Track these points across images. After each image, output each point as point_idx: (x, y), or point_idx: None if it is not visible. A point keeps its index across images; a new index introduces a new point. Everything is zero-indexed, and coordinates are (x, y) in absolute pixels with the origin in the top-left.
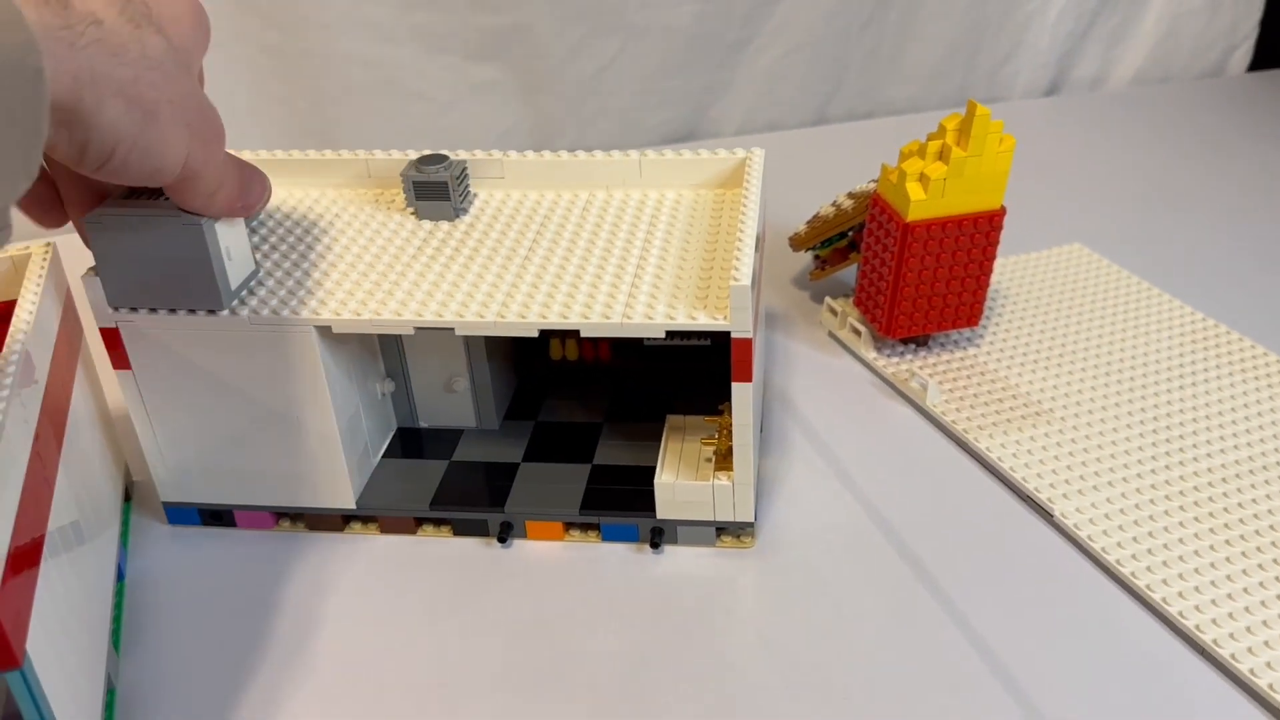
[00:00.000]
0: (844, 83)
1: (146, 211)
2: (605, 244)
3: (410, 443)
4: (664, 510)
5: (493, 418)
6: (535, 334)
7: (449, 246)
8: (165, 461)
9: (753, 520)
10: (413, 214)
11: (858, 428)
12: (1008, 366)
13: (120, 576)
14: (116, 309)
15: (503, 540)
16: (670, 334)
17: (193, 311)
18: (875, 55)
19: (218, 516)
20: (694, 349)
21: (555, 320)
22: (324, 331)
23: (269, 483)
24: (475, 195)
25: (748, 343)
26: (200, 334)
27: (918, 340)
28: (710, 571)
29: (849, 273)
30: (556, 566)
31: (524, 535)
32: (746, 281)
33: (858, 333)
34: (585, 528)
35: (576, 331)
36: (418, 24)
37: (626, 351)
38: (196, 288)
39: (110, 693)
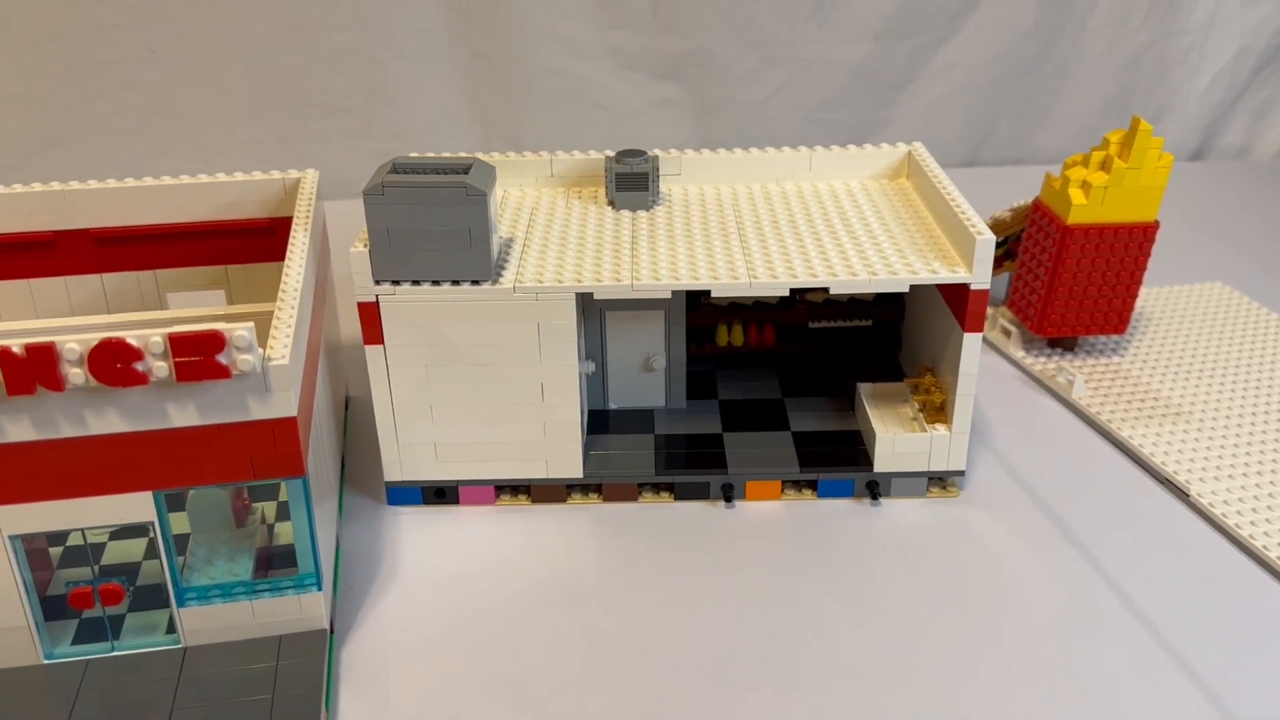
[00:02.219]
0: (997, 129)
1: (429, 183)
2: (808, 221)
3: (599, 423)
4: (881, 463)
5: (681, 397)
6: (786, 292)
7: (663, 227)
8: (398, 439)
9: (964, 469)
10: (610, 205)
11: (1009, 416)
12: (1149, 374)
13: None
14: (379, 282)
15: (728, 500)
16: (837, 315)
17: (456, 283)
18: (1029, 105)
19: (441, 494)
20: (855, 330)
21: (805, 279)
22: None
23: (499, 456)
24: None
25: (984, 294)
26: (460, 305)
27: (1064, 344)
28: (930, 519)
29: (998, 282)
30: (782, 522)
31: (743, 496)
32: (991, 236)
33: (1007, 333)
34: (800, 486)
35: (743, 318)
36: (612, 42)
37: (790, 336)
38: (466, 259)
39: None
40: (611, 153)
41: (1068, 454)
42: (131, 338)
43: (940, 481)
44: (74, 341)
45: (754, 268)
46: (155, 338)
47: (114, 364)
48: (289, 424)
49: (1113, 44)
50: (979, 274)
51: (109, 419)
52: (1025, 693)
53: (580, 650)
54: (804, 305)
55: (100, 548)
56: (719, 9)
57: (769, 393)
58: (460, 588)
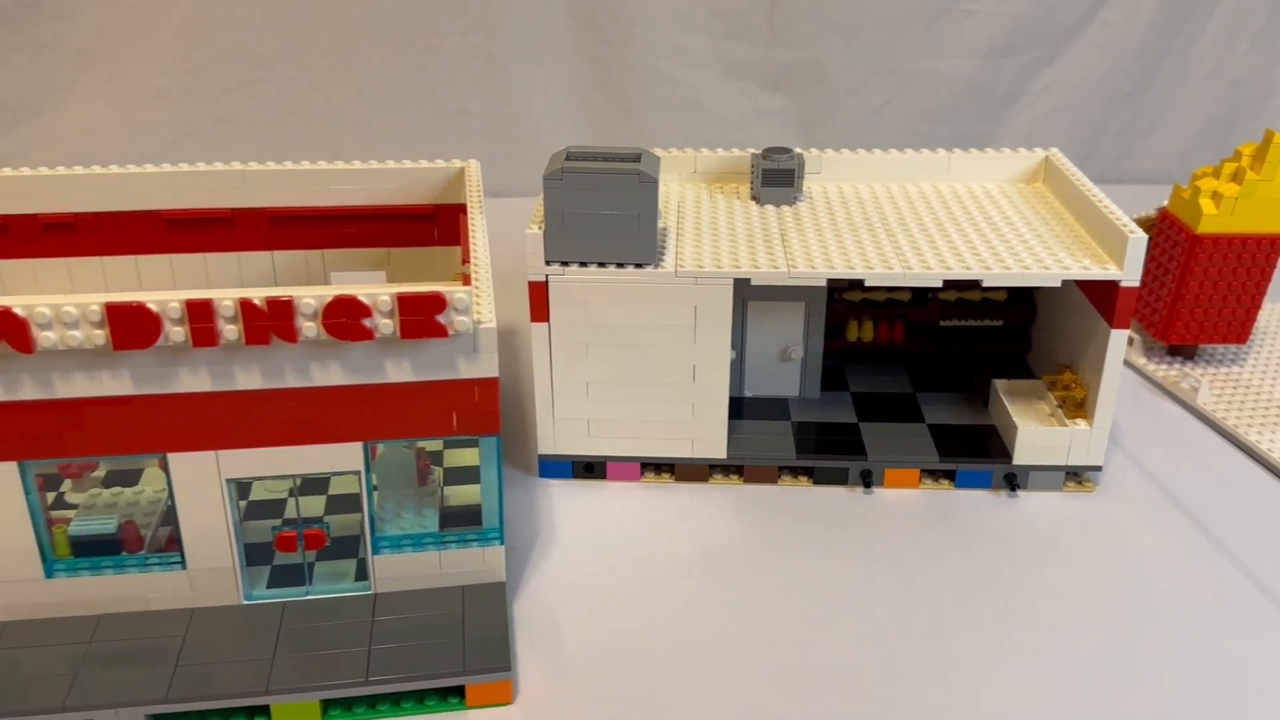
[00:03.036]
0: (1098, 147)
1: (605, 169)
2: (952, 218)
3: (735, 408)
4: (1021, 456)
5: (815, 387)
6: (940, 284)
7: (809, 221)
8: (554, 414)
9: (1101, 465)
10: (754, 200)
11: (1135, 418)
12: (1270, 383)
13: None
14: (549, 263)
15: (867, 486)
16: (969, 315)
17: (621, 266)
18: (1131, 126)
19: (590, 469)
20: (984, 330)
21: (958, 271)
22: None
23: (646, 434)
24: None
25: (1134, 292)
26: (624, 287)
27: (1184, 352)
28: (1069, 512)
29: None
30: (922, 510)
31: (881, 483)
32: (1143, 235)
33: (1129, 341)
34: (937, 476)
35: (874, 314)
36: (725, 52)
37: (919, 334)
38: (632, 242)
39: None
40: (757, 150)
41: (1196, 456)
42: (362, 295)
43: (1075, 476)
44: (310, 297)
45: (906, 259)
46: (384, 296)
47: (345, 319)
48: (491, 384)
49: (1218, 67)
50: (1130, 271)
51: (331, 372)
52: (1185, 686)
53: (737, 616)
54: (936, 303)
55: (280, 503)
56: (833, 22)
57: (899, 387)
58: (615, 554)
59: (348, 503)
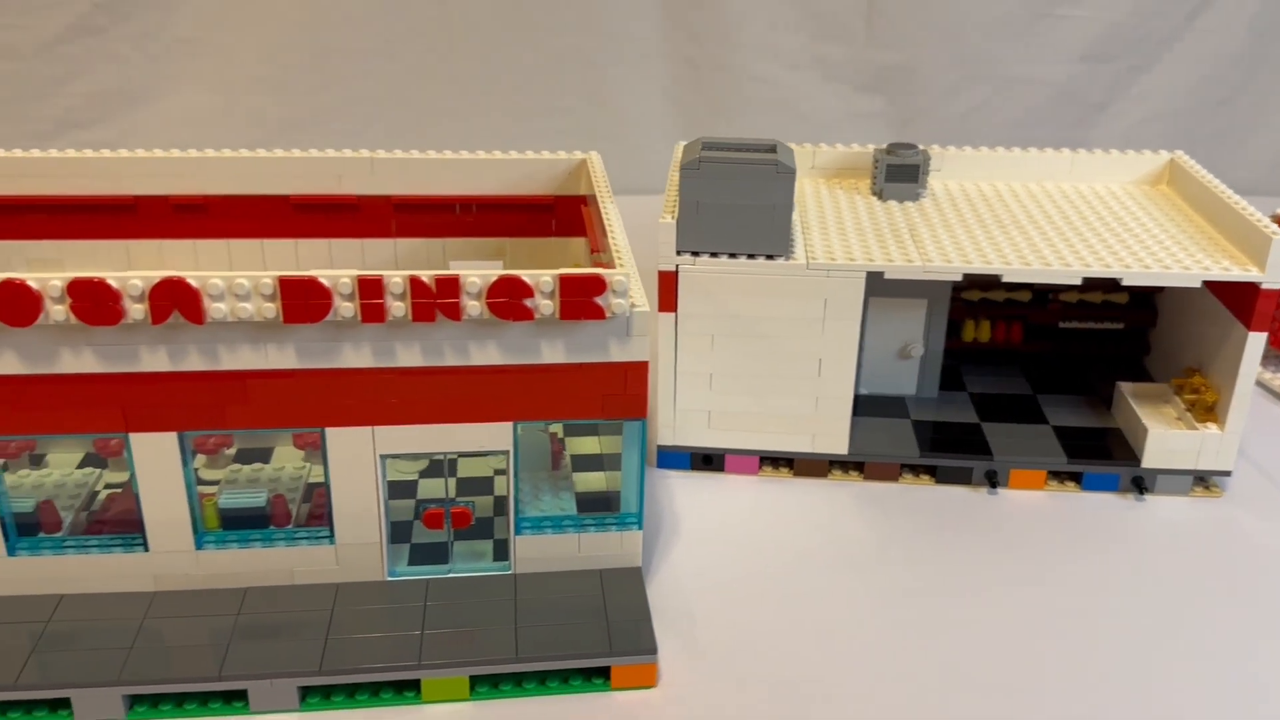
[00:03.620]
0: (1190, 156)
1: (743, 160)
2: (1081, 217)
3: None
4: (1150, 459)
5: (934, 386)
6: (1079, 281)
7: (936, 217)
8: (676, 405)
9: (1231, 469)
10: (876, 195)
11: (1256, 425)
12: None
13: None
14: (680, 252)
15: (993, 486)
16: (1089, 317)
17: (752, 256)
18: (1224, 136)
19: (708, 460)
20: (1103, 333)
21: (1097, 269)
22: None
23: (767, 428)
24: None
25: (1275, 294)
26: (754, 278)
27: None
28: (1198, 516)
29: None
30: (1049, 511)
31: (1005, 484)
32: None
33: None
34: (1062, 478)
35: (991, 314)
36: (820, 54)
37: (1037, 335)
38: (767, 234)
39: None
40: (883, 145)
41: None
42: (525, 276)
43: (1202, 481)
44: (476, 276)
45: (1043, 256)
46: (546, 277)
47: (508, 298)
48: (641, 368)
49: None
50: (1272, 273)
51: (487, 351)
52: None
53: (869, 611)
54: (1056, 305)
55: (410, 485)
56: (931, 25)
57: (1017, 388)
58: (740, 545)
59: (473, 485)
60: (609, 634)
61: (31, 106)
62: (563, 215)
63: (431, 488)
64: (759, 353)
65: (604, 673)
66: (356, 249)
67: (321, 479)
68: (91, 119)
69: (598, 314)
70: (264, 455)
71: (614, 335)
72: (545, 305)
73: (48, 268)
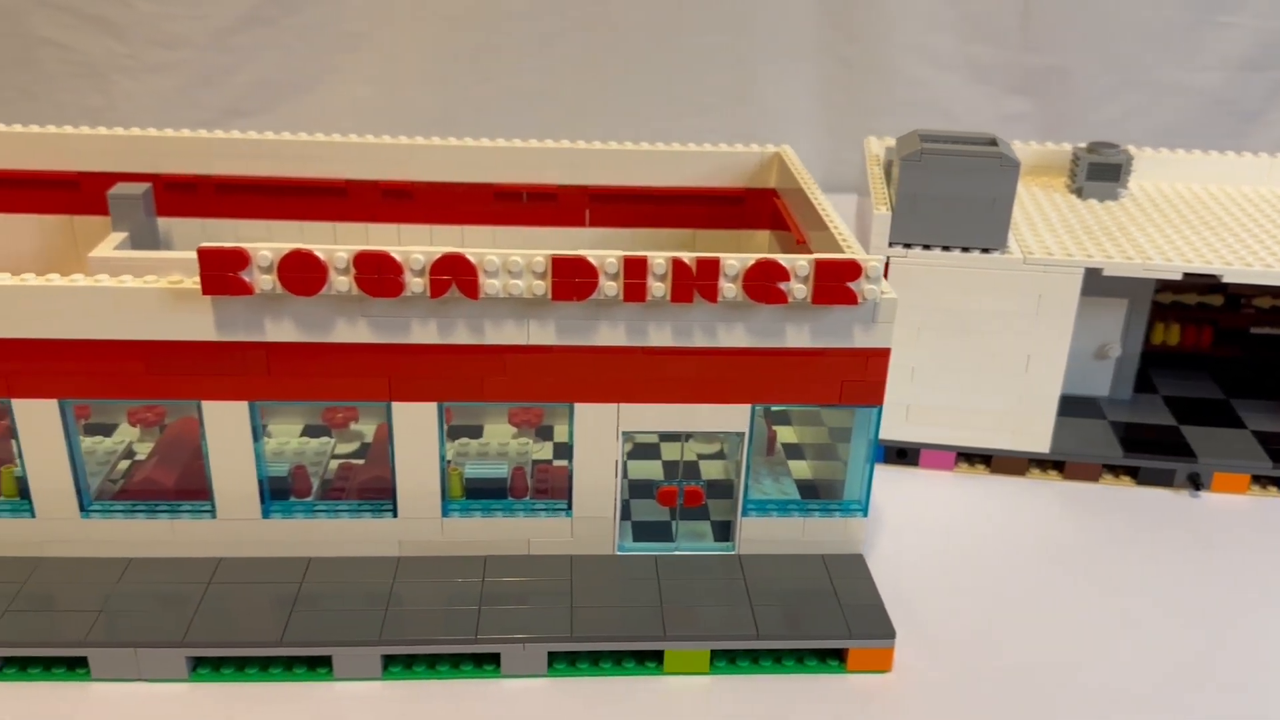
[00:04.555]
0: None
1: (967, 152)
2: None
3: None
4: None
5: (1127, 387)
6: None
7: (1142, 216)
8: None
9: None
10: (1075, 193)
11: None
12: None
13: None
14: (893, 244)
15: (1196, 488)
16: None
17: (966, 250)
18: None
19: (902, 454)
20: None
21: None
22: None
23: (966, 423)
24: None
25: None
26: (967, 272)
27: None
28: None
29: None
30: (1256, 517)
31: (1208, 487)
32: None
33: None
34: (1265, 483)
35: (1181, 318)
36: (972, 55)
37: (1227, 340)
38: (984, 227)
39: None
40: (1083, 144)
41: None
42: (782, 259)
43: None
44: (734, 259)
45: (1263, 258)
46: (801, 261)
47: (764, 281)
48: (883, 355)
49: None
50: None
51: (735, 333)
52: None
53: (1085, 609)
54: (1250, 310)
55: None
56: (1086, 29)
57: (1209, 392)
58: (948, 538)
59: (679, 469)
60: (845, 617)
61: (201, 94)
62: (752, 208)
63: (639, 469)
64: (965, 347)
65: (838, 655)
66: (551, 238)
67: (544, 455)
68: (255, 108)
69: (850, 299)
70: (474, 431)
71: (860, 321)
72: (798, 289)
73: None
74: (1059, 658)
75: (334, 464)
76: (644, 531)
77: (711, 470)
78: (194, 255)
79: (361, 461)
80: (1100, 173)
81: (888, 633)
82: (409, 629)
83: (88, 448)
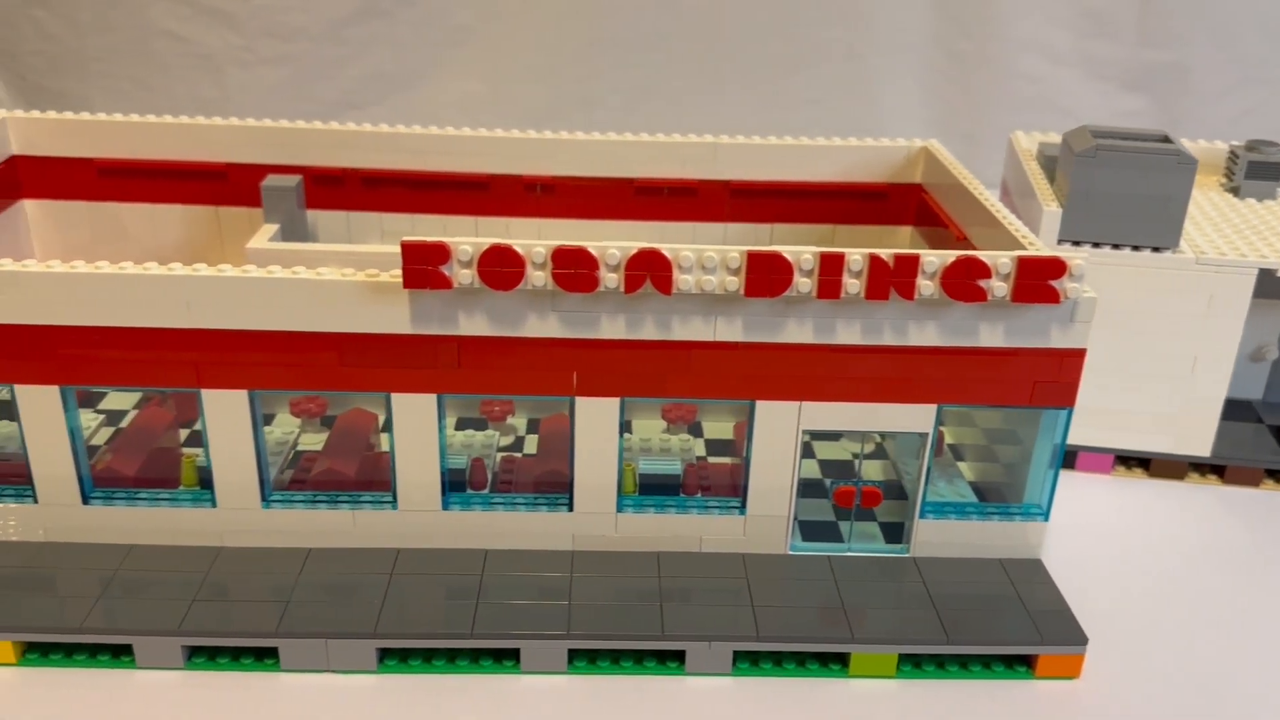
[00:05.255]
0: None
1: (1145, 148)
2: None
3: None
4: None
5: None
6: None
7: None
8: None
9: None
10: (1231, 192)
11: None
12: None
13: None
14: (1060, 242)
15: None
16: None
17: (1136, 248)
18: None
19: None
20: None
21: None
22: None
23: (1126, 425)
24: None
25: None
26: (1135, 271)
27: None
28: None
29: None
30: None
31: None
32: None
33: None
34: None
35: None
36: (1089, 51)
37: None
38: (1157, 226)
39: None
40: (1238, 142)
41: None
42: (984, 256)
43: None
44: (934, 255)
45: None
46: (1004, 259)
47: (964, 279)
48: (1078, 355)
49: None
50: None
51: (926, 332)
52: None
53: (1267, 617)
54: None
55: None
56: (1208, 24)
57: None
58: (1117, 543)
59: (830, 468)
60: (1034, 623)
61: (313, 87)
62: (896, 203)
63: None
64: (1129, 348)
65: (1025, 661)
66: (688, 232)
67: (702, 453)
68: (366, 100)
69: (1052, 297)
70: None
71: (1057, 320)
72: (999, 287)
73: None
74: (1247, 667)
75: (500, 456)
76: (811, 531)
77: (869, 470)
78: (347, 248)
79: (520, 455)
80: (1260, 171)
81: (1079, 639)
82: (594, 624)
83: None
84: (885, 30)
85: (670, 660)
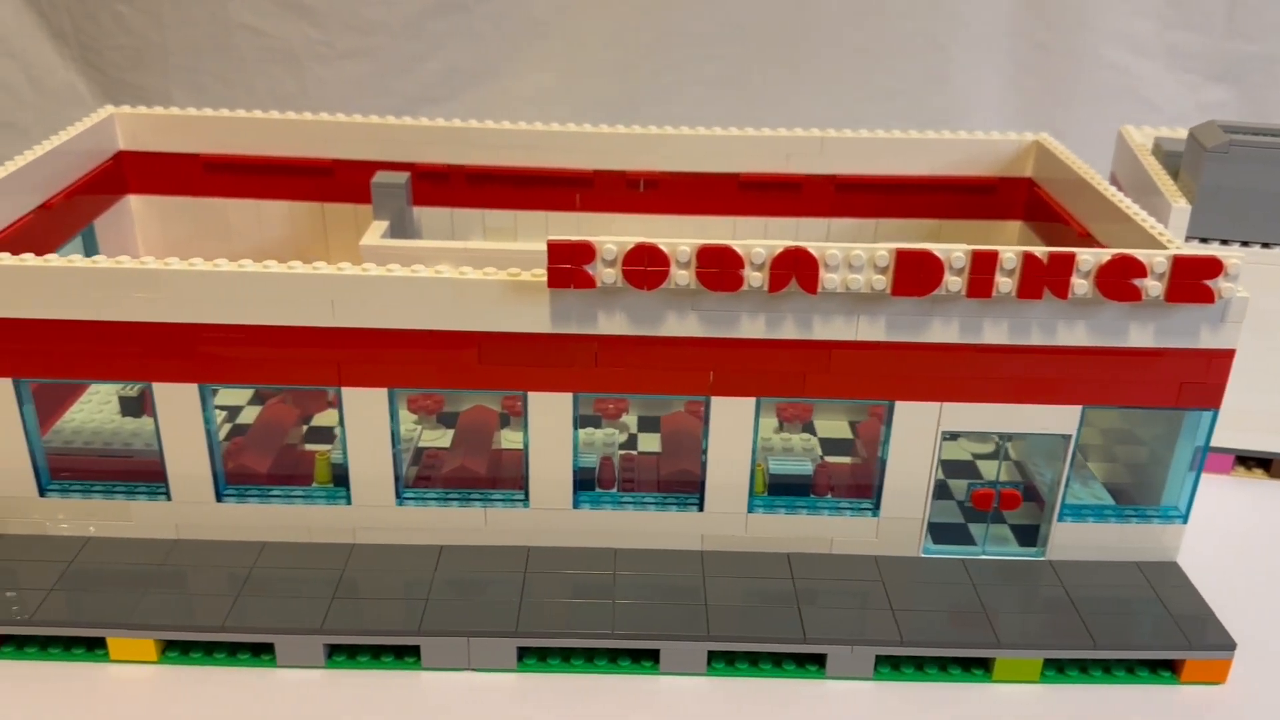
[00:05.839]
0: None
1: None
2: None
3: None
4: None
5: None
6: None
7: None
8: None
9: None
10: None
11: None
12: None
13: None
14: (1189, 239)
15: None
16: None
17: (1267, 245)
18: None
19: None
20: None
21: None
22: None
23: (1251, 425)
24: None
25: None
26: (1267, 269)
27: None
28: None
29: None
30: None
31: None
32: None
33: None
34: None
35: None
36: (1172, 41)
37: None
38: None
39: None
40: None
41: None
42: (1139, 255)
43: None
44: (1088, 254)
45: None
46: (1159, 258)
47: (1119, 278)
48: (1226, 356)
49: None
50: None
51: (1074, 331)
52: None
53: None
54: None
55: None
56: None
57: None
58: (1246, 545)
59: (951, 468)
60: (1179, 627)
61: (392, 81)
62: (1005, 198)
63: None
64: (1254, 347)
65: (1170, 665)
66: (791, 228)
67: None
68: (443, 95)
69: (1206, 297)
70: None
71: (1207, 320)
72: (1153, 286)
73: (503, 236)
74: None
75: (620, 454)
76: (941, 533)
77: (989, 470)
78: (460, 245)
79: (635, 452)
80: None
81: (1227, 643)
82: (733, 625)
83: None
84: (966, 21)
85: (809, 664)
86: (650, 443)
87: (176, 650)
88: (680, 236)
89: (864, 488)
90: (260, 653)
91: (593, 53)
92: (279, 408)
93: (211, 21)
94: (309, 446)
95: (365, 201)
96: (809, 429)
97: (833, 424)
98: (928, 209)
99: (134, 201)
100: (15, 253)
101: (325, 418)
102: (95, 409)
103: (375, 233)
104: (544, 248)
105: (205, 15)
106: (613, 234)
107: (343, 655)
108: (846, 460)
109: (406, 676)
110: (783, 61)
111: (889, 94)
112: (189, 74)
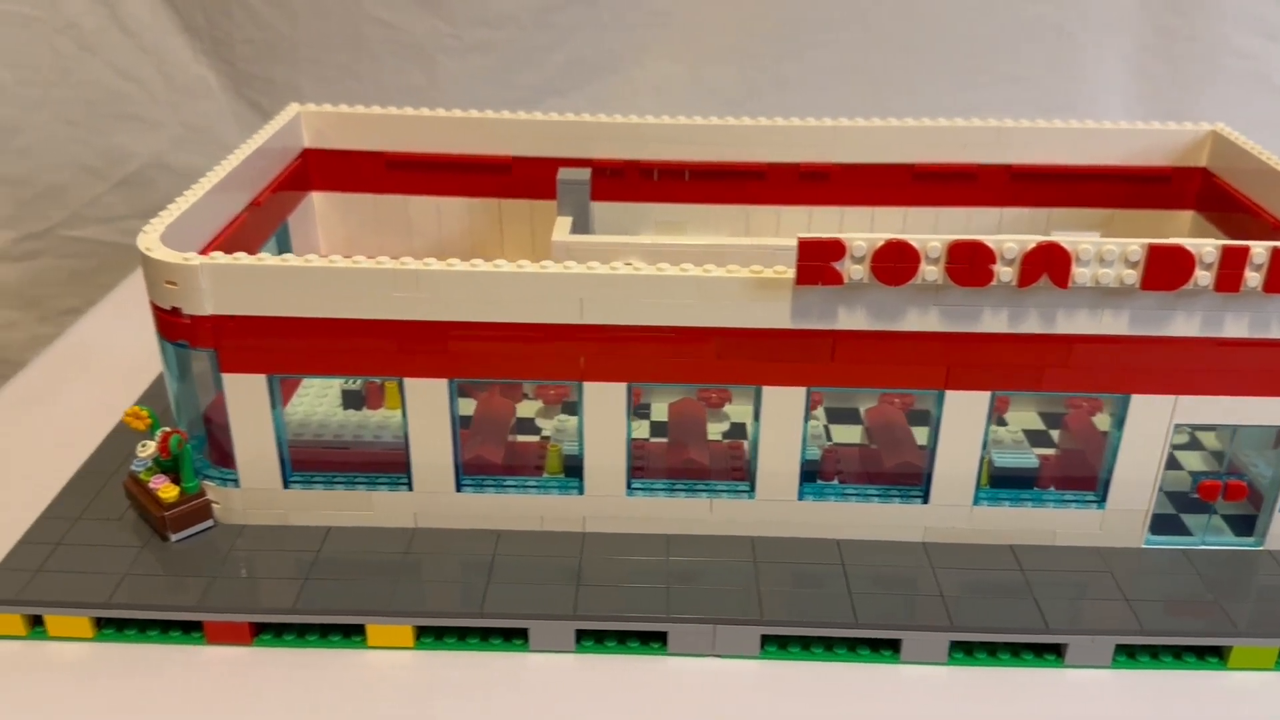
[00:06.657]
0: None
1: None
2: None
3: None
4: None
5: None
6: None
7: None
8: None
9: None
10: None
11: None
12: None
13: None
14: None
15: None
16: None
17: None
18: None
19: None
20: None
21: None
22: None
23: None
24: None
25: None
26: None
27: None
28: None
29: None
30: None
31: None
32: None
33: None
34: None
35: None
36: None
37: None
38: None
39: None
40: None
41: None
42: None
43: None
44: None
45: None
46: None
47: None
48: None
49: None
50: None
51: None
52: None
53: None
54: None
55: None
56: None
57: None
58: None
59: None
60: None
61: (519, 74)
62: (1179, 188)
63: None
64: None
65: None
66: (962, 218)
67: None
68: (568, 86)
69: None
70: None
71: None
72: None
73: (671, 231)
74: None
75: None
76: (1159, 524)
77: (1190, 461)
78: (651, 240)
79: (839, 444)
80: None
81: None
82: (972, 616)
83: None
84: (1091, 6)
85: (1047, 653)
86: (848, 434)
87: (430, 636)
88: (850, 230)
89: (1080, 480)
90: (512, 637)
91: (714, 41)
92: (494, 400)
93: (342, 15)
94: (551, 439)
95: (541, 197)
96: (1000, 422)
97: (1024, 415)
98: (1100, 199)
99: (316, 198)
100: (229, 251)
101: (524, 409)
102: (314, 402)
103: (563, 229)
104: (740, 242)
105: (338, 8)
106: (782, 228)
107: (590, 640)
108: (1051, 452)
109: (653, 661)
110: (904, 47)
111: (1011, 79)
112: (317, 67)
